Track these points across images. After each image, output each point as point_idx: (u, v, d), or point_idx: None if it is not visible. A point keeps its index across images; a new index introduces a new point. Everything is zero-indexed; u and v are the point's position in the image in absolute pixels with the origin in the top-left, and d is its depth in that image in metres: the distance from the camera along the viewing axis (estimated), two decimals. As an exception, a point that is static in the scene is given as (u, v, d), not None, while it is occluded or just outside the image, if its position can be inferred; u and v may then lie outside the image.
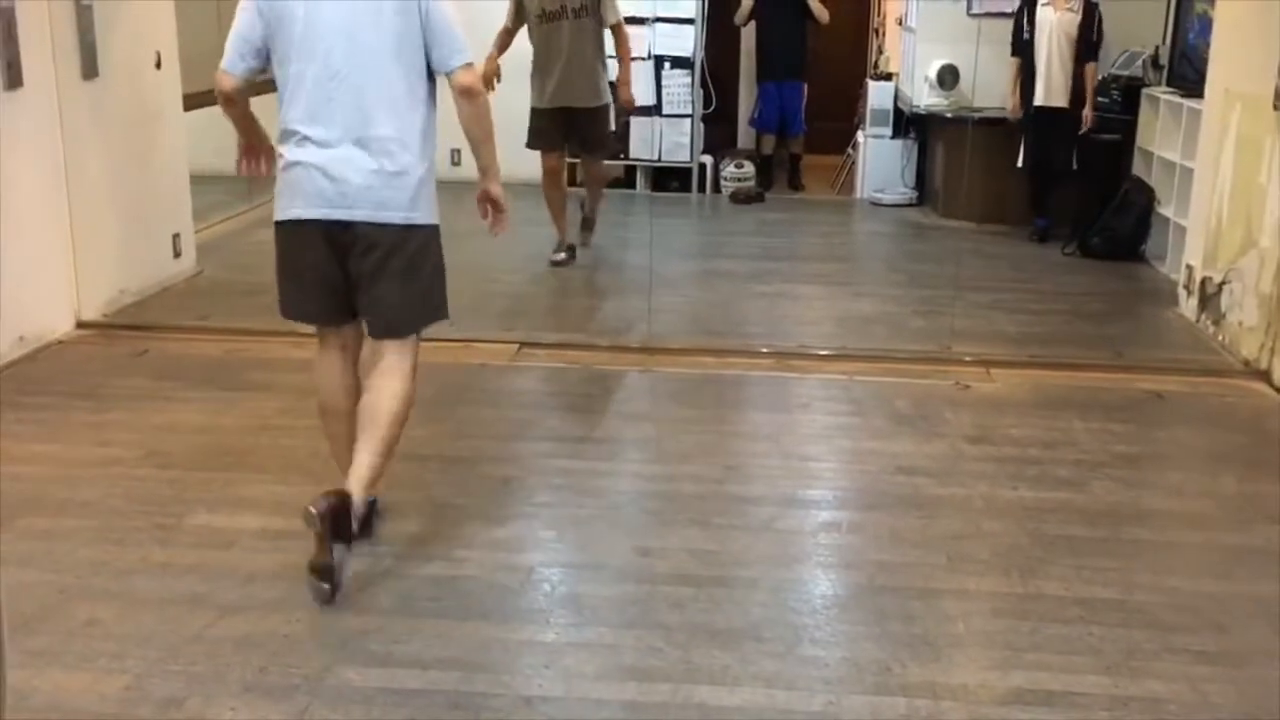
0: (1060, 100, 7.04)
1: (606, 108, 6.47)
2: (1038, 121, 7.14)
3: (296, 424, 4.22)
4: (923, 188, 8.54)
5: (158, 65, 5.73)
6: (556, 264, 6.45)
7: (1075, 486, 3.84)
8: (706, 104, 8.65)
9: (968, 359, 5.05)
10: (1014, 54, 7.20)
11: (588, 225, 6.79)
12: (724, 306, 6.05)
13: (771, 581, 3.21)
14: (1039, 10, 7.06)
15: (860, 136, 8.90)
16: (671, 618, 3.00)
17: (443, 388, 4.36)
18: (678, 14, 8.38)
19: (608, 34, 6.36)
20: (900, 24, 8.89)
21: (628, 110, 6.89)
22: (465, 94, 3.09)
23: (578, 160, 7.12)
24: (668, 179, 8.68)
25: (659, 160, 8.59)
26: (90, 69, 5.15)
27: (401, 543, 3.37)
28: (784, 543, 3.46)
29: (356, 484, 3.09)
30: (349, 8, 2.99)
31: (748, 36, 9.23)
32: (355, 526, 3.07)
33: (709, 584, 3.17)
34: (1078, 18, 6.96)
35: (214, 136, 7.15)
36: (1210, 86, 5.72)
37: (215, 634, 2.89)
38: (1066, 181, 7.23)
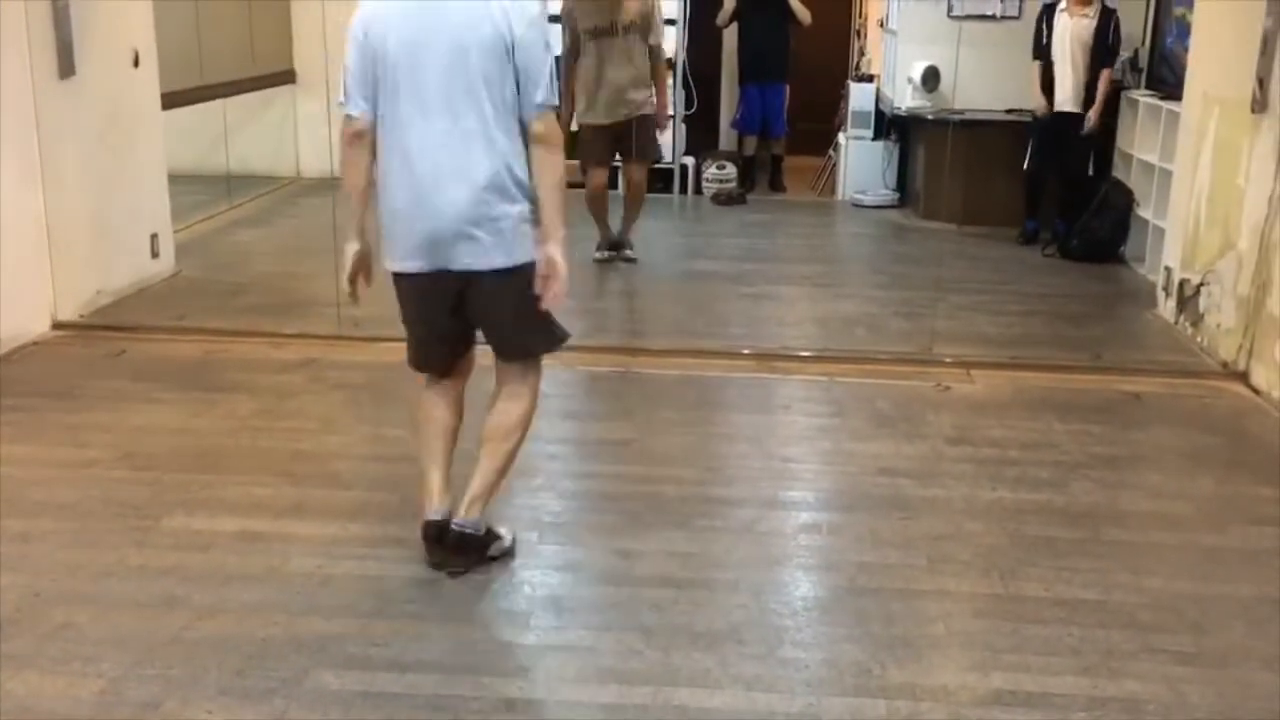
0: (1074, 106, 7.07)
1: (653, 116, 6.56)
2: (1049, 125, 7.17)
3: (275, 425, 4.21)
4: (904, 189, 8.56)
5: (135, 63, 5.70)
6: (600, 261, 6.57)
7: (1055, 487, 3.85)
8: (688, 105, 8.64)
9: (948, 360, 5.06)
10: (1035, 58, 7.22)
11: (625, 244, 6.75)
12: (705, 308, 6.04)
13: (752, 583, 3.21)
14: (1057, 16, 7.09)
15: (842, 138, 8.91)
16: (652, 620, 2.99)
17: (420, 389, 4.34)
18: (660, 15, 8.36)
19: None
20: (881, 26, 8.91)
21: (660, 126, 6.86)
22: (540, 141, 2.99)
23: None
24: (650, 180, 8.65)
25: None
26: (67, 67, 5.11)
27: (381, 544, 3.35)
28: (765, 544, 3.46)
29: (474, 502, 3.16)
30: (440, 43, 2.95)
31: (730, 38, 9.22)
32: (483, 550, 3.19)
33: (690, 586, 3.17)
34: (1094, 24, 6.99)
35: (192, 136, 7.18)
36: (1189, 90, 5.75)
37: (192, 636, 2.87)
38: (1075, 185, 7.22)
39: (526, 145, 3.00)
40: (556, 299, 3.03)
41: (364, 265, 3.17)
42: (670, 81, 6.82)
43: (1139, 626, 3.01)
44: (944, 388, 4.78)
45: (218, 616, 2.96)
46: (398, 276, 3.12)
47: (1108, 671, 2.81)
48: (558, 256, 2.99)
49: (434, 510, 3.21)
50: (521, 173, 3.01)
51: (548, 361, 3.30)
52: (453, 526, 3.17)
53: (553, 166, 3.02)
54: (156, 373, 4.73)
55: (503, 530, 3.31)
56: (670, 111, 6.91)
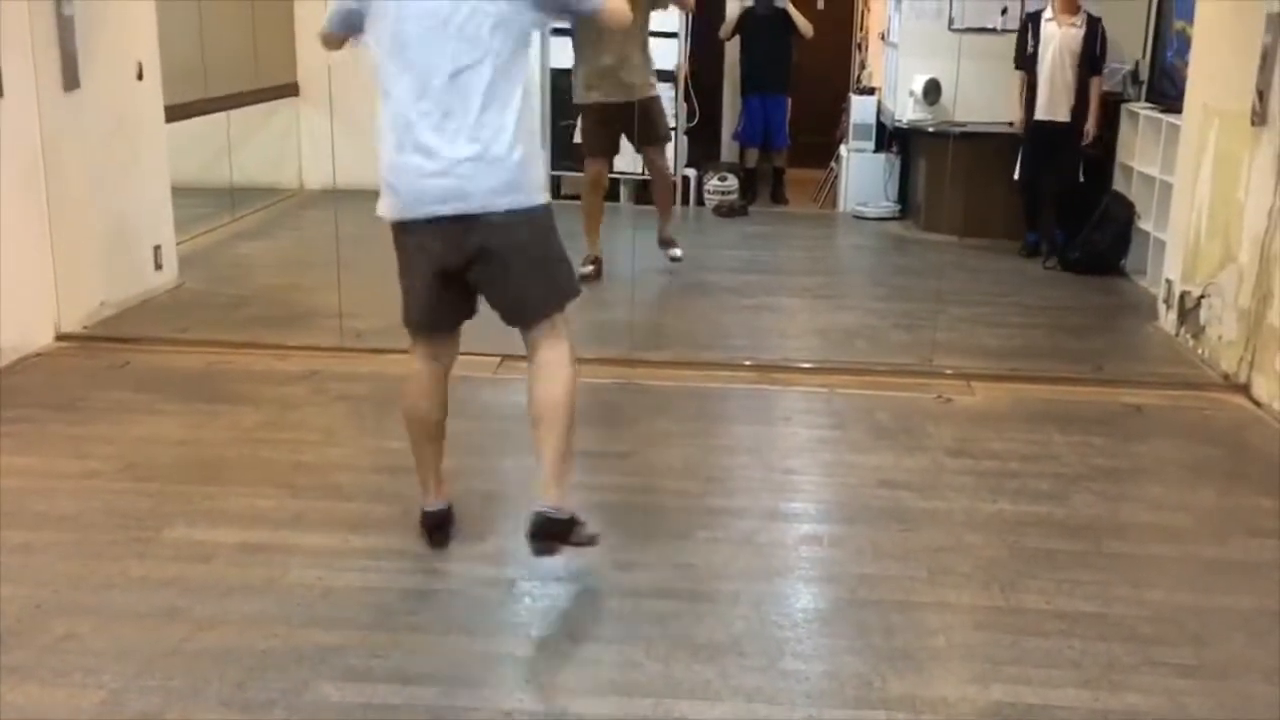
0: (1061, 115, 7.08)
1: (659, 99, 6.41)
2: (1037, 135, 7.17)
3: (277, 437, 4.21)
4: (905, 201, 8.58)
5: (139, 76, 5.72)
6: (585, 278, 6.41)
7: (1055, 500, 3.85)
8: (690, 117, 8.67)
9: (949, 372, 5.07)
10: (1018, 68, 7.23)
11: (669, 243, 6.66)
12: (706, 319, 6.05)
13: (753, 595, 3.21)
14: (1043, 25, 7.10)
15: (843, 150, 8.93)
16: (652, 631, 2.99)
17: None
18: (662, 28, 8.37)
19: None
20: (883, 39, 8.94)
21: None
22: (607, 12, 3.17)
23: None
24: (651, 192, 8.67)
25: (642, 173, 8.59)
26: (71, 80, 5.13)
27: (382, 556, 3.35)
28: (765, 556, 3.46)
29: (549, 484, 3.09)
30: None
31: (731, 50, 9.26)
32: (573, 533, 3.13)
33: (690, 598, 3.17)
34: (1081, 32, 7.00)
35: (195, 148, 7.20)
36: (1189, 102, 5.77)
37: (193, 648, 2.87)
38: (1068, 195, 7.22)
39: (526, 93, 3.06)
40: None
41: None
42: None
43: (1140, 639, 3.01)
44: (945, 400, 4.79)
45: (218, 628, 2.96)
46: (399, 226, 3.12)
47: (1108, 684, 2.81)
48: None
49: (431, 503, 3.32)
50: (528, 118, 3.05)
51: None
52: (536, 512, 3.08)
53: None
54: (159, 384, 4.74)
55: (583, 517, 3.22)
56: None
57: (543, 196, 3.14)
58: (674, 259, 6.63)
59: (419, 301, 3.22)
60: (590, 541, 3.22)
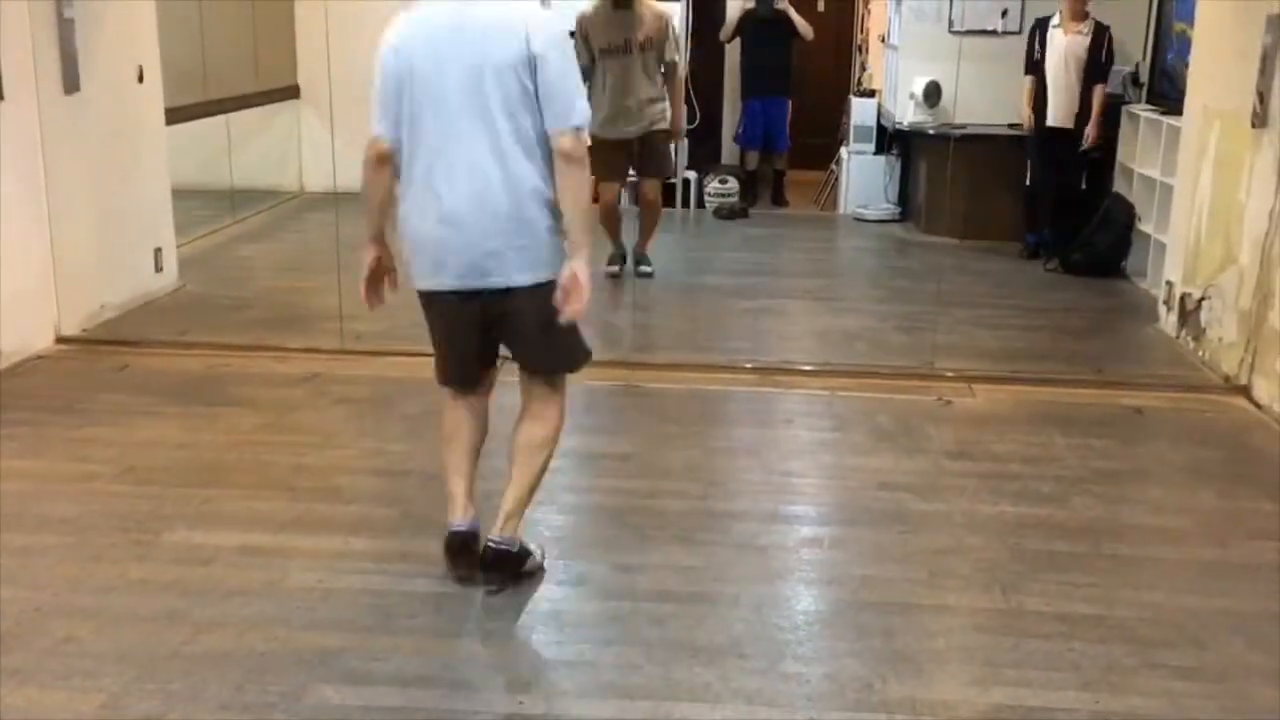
0: (1066, 121, 7.09)
1: (668, 132, 6.54)
2: (1042, 140, 7.18)
3: (276, 439, 4.21)
4: (906, 204, 8.57)
5: (140, 79, 5.73)
6: (612, 276, 6.53)
7: (1056, 502, 3.85)
8: (691, 120, 8.65)
9: (950, 374, 5.06)
10: (1026, 73, 7.23)
11: (642, 259, 6.71)
12: (707, 321, 6.05)
13: (753, 597, 3.20)
14: (1050, 31, 7.10)
15: (843, 152, 8.93)
16: (653, 634, 2.99)
17: (424, 403, 4.34)
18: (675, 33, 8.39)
19: None
20: (883, 41, 8.94)
21: (675, 139, 6.86)
22: (566, 158, 2.96)
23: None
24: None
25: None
26: (72, 83, 5.14)
27: (382, 559, 3.35)
28: (766, 558, 3.46)
29: (508, 517, 3.16)
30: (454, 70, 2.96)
31: (732, 53, 9.26)
32: (523, 564, 3.21)
33: (691, 600, 3.17)
34: (1088, 39, 7.00)
35: (195, 151, 7.21)
36: (1189, 104, 5.76)
37: (192, 651, 2.87)
38: (1070, 201, 7.22)
39: (550, 161, 3.00)
40: (576, 314, 3.02)
41: (383, 270, 3.19)
42: (683, 97, 6.77)
43: (1140, 641, 3.00)
44: (945, 402, 4.79)
45: (218, 631, 2.96)
46: (425, 295, 3.13)
47: (1109, 686, 2.80)
48: (582, 273, 2.98)
49: (458, 522, 3.21)
50: (547, 189, 3.01)
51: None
52: (488, 544, 3.16)
53: (578, 183, 3.01)
54: (159, 387, 4.74)
55: (533, 547, 3.29)
56: (685, 126, 6.91)
57: (559, 268, 3.07)
58: (643, 275, 6.68)
59: (447, 359, 3.24)
60: (537, 570, 3.27)
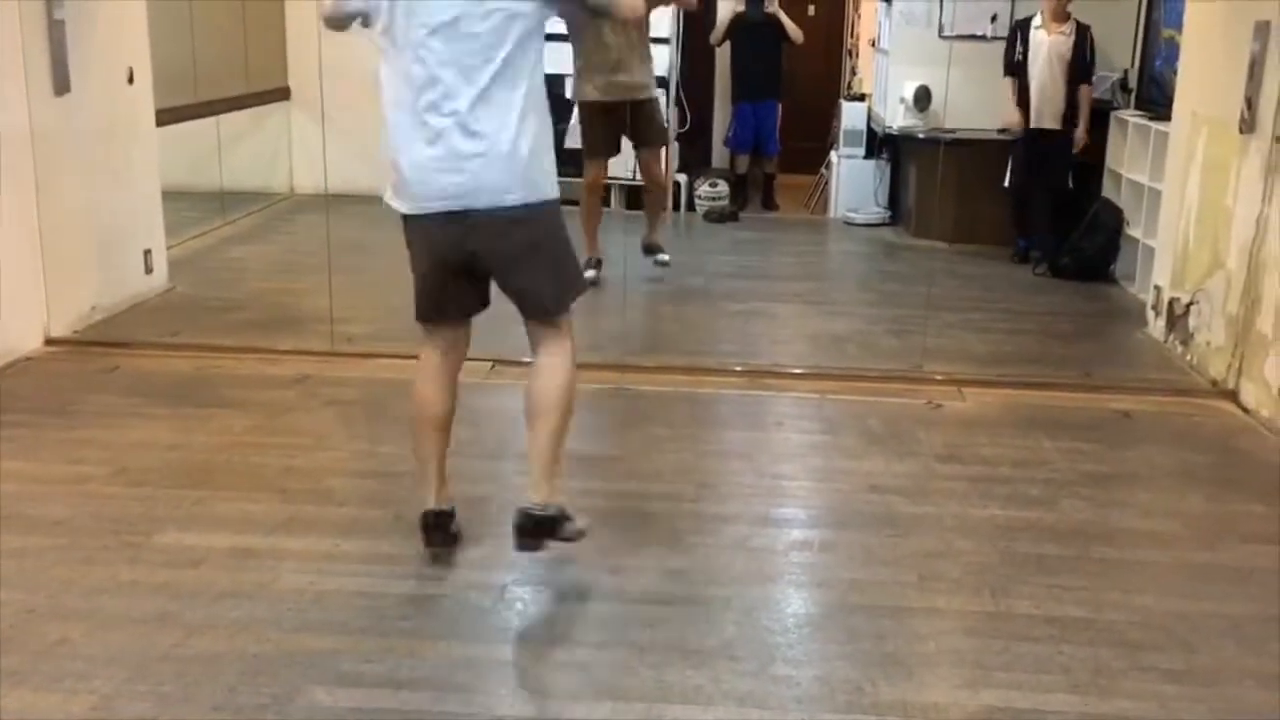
0: (1053, 122, 7.12)
1: (657, 100, 6.40)
2: (1028, 142, 7.21)
3: (267, 441, 4.21)
4: (895, 208, 8.61)
5: (130, 80, 5.71)
6: (590, 283, 6.38)
7: (1045, 505, 3.87)
8: (681, 123, 8.68)
9: (939, 378, 5.08)
10: (1007, 74, 7.26)
11: (655, 248, 6.59)
12: (698, 324, 6.07)
13: (744, 600, 3.21)
14: (1033, 32, 7.13)
15: (834, 156, 8.95)
16: (644, 637, 3.00)
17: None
18: (653, 34, 8.38)
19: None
20: (873, 46, 8.98)
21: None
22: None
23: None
24: (642, 197, 8.68)
25: (634, 179, 8.60)
26: (62, 84, 5.12)
27: (373, 560, 3.35)
28: (757, 561, 3.47)
29: (539, 481, 3.12)
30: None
31: (722, 57, 9.28)
32: (559, 529, 3.13)
33: (682, 603, 3.17)
34: (1070, 40, 7.04)
35: (186, 152, 7.20)
36: (1177, 110, 5.80)
37: (184, 653, 2.87)
38: (1060, 201, 7.25)
39: (534, 88, 3.05)
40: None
41: None
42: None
43: (1129, 644, 3.02)
44: (935, 405, 4.80)
45: (210, 633, 2.96)
46: (410, 219, 3.14)
47: (1098, 689, 2.82)
48: None
49: (432, 501, 3.26)
50: (539, 113, 3.07)
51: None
52: (522, 508, 3.12)
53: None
54: (150, 389, 4.73)
55: (573, 512, 3.22)
56: None
57: (552, 191, 3.16)
58: (661, 264, 6.59)
59: (426, 290, 3.24)
60: (577, 536, 3.21)
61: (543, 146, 3.11)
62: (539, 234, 3.12)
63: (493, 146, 3.02)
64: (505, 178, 3.03)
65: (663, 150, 6.80)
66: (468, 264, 3.16)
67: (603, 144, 6.33)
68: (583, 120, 6.27)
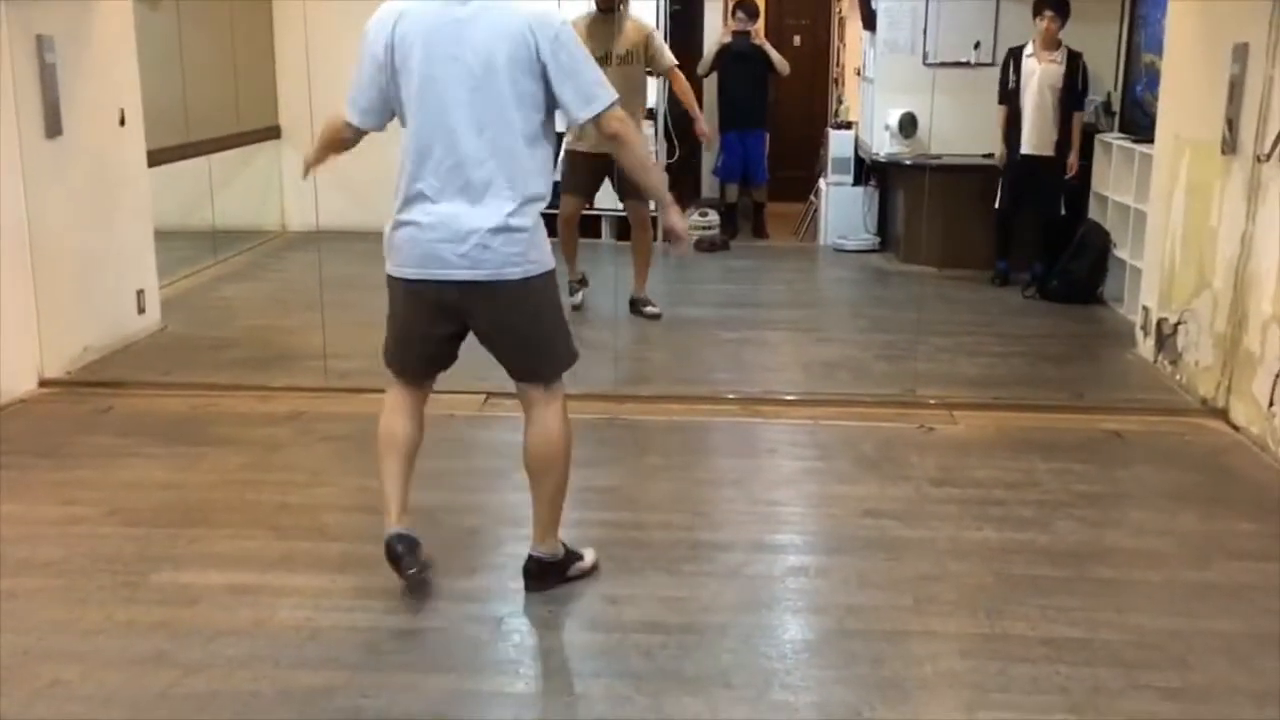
0: (1045, 149, 7.18)
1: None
2: (1020, 168, 7.27)
3: (262, 478, 4.21)
4: (884, 234, 8.65)
5: (121, 122, 5.75)
6: (574, 308, 6.40)
7: (1039, 526, 3.88)
8: (670, 154, 8.73)
9: (931, 402, 5.10)
10: (1000, 102, 7.34)
11: (644, 303, 6.61)
12: (690, 353, 6.08)
13: (741, 627, 3.22)
14: (1024, 61, 7.21)
15: (822, 184, 9.01)
16: (641, 665, 3.00)
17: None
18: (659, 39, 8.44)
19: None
20: (859, 74, 9.05)
21: (706, 141, 6.95)
22: (613, 139, 3.15)
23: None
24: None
25: (622, 210, 8.63)
26: (54, 127, 5.16)
27: (369, 596, 3.35)
28: (753, 588, 3.47)
29: (541, 532, 3.33)
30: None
31: (710, 87, 9.34)
32: (567, 570, 3.40)
33: (678, 631, 3.18)
34: (1062, 68, 7.12)
35: (177, 192, 7.23)
36: (1160, 133, 5.85)
37: (180, 693, 2.86)
38: (1050, 226, 7.31)
39: (534, 160, 3.09)
40: (684, 253, 3.70)
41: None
42: (692, 96, 6.74)
43: (1125, 663, 3.03)
44: (927, 429, 4.82)
45: (206, 671, 2.95)
46: (395, 280, 3.18)
47: (1094, 709, 2.82)
48: (677, 221, 3.33)
49: (392, 526, 3.27)
50: (536, 186, 3.10)
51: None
52: (531, 555, 3.35)
53: (633, 157, 3.25)
54: (143, 428, 4.73)
55: (585, 551, 3.46)
56: (705, 128, 6.89)
57: (549, 262, 3.18)
58: (651, 316, 6.59)
59: (400, 339, 3.29)
60: (587, 573, 3.43)
61: (539, 220, 3.13)
62: (532, 310, 3.15)
63: (492, 220, 3.03)
64: (508, 254, 3.05)
65: (650, 204, 6.85)
66: (454, 332, 3.21)
67: (582, 186, 6.42)
68: (565, 165, 6.34)
